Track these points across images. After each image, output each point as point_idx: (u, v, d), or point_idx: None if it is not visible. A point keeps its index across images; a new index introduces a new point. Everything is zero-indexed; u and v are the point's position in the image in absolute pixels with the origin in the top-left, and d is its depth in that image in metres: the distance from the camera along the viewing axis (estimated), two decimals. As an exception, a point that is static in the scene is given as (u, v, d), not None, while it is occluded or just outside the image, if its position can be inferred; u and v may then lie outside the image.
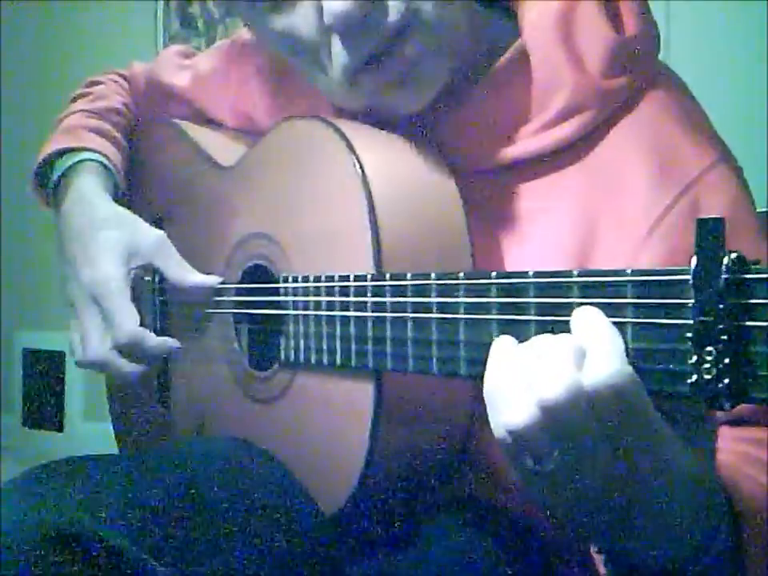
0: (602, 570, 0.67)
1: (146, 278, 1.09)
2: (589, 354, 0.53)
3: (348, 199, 0.79)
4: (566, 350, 0.54)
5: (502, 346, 0.59)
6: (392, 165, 0.81)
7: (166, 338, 0.96)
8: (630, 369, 0.52)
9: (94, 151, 1.05)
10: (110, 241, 0.96)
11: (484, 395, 0.58)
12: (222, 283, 0.96)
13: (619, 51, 0.80)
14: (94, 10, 3.04)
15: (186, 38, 2.90)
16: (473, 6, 0.86)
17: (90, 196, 1.01)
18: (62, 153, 1.05)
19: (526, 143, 0.81)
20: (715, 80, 2.12)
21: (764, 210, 1.09)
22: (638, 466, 0.56)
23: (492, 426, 0.58)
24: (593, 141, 0.80)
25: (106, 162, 1.05)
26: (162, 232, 0.99)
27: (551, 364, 0.54)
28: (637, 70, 0.81)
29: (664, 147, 0.78)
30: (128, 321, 0.93)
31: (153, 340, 0.94)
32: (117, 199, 1.05)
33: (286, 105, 0.99)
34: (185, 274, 0.97)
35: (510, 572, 0.79)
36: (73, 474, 0.73)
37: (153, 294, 1.09)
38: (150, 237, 0.98)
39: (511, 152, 0.82)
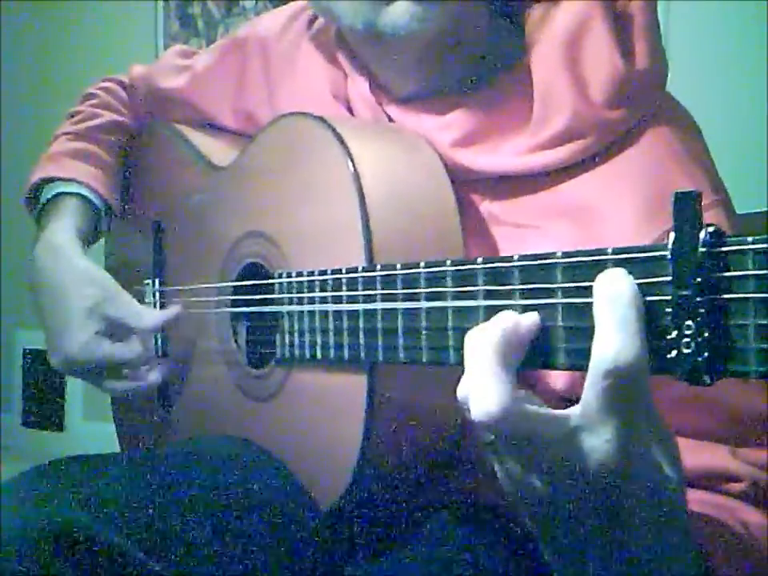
0: None
1: (146, 282, 1.10)
2: (600, 330, 0.50)
3: (340, 196, 0.79)
4: (492, 366, 0.51)
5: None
6: (384, 161, 0.81)
7: (157, 368, 1.02)
8: (641, 349, 0.48)
9: (74, 181, 1.07)
10: (72, 307, 0.99)
11: None
12: (217, 282, 0.97)
13: (625, 83, 0.78)
14: (94, 10, 3.05)
15: (186, 38, 2.91)
16: (484, 13, 0.87)
17: (59, 247, 1.03)
18: (44, 181, 1.08)
19: (516, 160, 0.81)
20: (715, 80, 2.12)
21: (764, 210, 1.09)
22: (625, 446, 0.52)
23: None
24: (589, 168, 0.79)
25: (85, 191, 1.08)
26: (114, 284, 1.01)
27: (480, 383, 0.51)
28: (640, 104, 0.79)
29: (659, 184, 0.77)
30: (117, 383, 1.02)
31: (148, 379, 1.02)
32: (96, 233, 1.10)
33: (284, 102, 0.99)
34: (147, 319, 1.01)
35: (509, 572, 0.79)
36: (72, 474, 0.74)
37: (153, 297, 1.10)
38: (108, 294, 1.00)
39: (500, 166, 0.81)
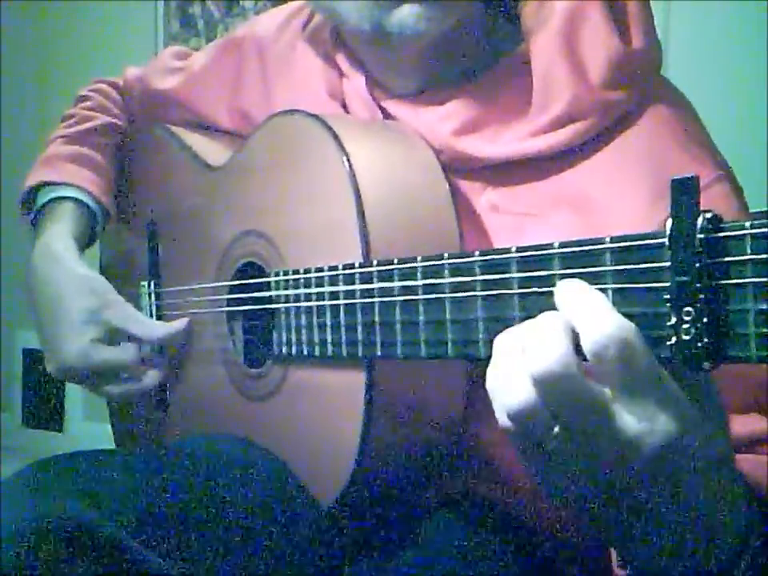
0: (619, 573, 0.64)
1: (142, 283, 1.10)
2: (577, 318, 0.51)
3: (336, 194, 0.79)
4: (556, 322, 0.51)
5: (502, 337, 0.56)
6: (380, 158, 0.81)
7: (150, 373, 1.02)
8: (621, 318, 0.49)
9: (69, 185, 1.08)
10: (69, 314, 0.99)
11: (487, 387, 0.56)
12: (214, 282, 0.97)
13: (622, 63, 0.79)
14: (94, 10, 3.05)
15: (186, 38, 2.91)
16: (482, 8, 0.87)
17: (57, 254, 1.03)
18: (40, 186, 1.08)
19: (518, 145, 0.81)
20: (715, 80, 2.12)
21: (764, 210, 1.09)
22: (654, 428, 0.51)
23: (496, 415, 0.55)
24: (590, 151, 0.80)
25: (80, 195, 1.08)
26: (113, 291, 1.01)
27: (541, 338, 0.51)
28: (638, 84, 0.80)
29: (663, 162, 0.77)
30: (114, 388, 1.02)
31: (142, 385, 1.02)
32: (92, 236, 1.11)
33: (280, 101, 0.99)
34: (153, 330, 1.01)
35: (509, 570, 0.79)
36: (73, 470, 0.73)
37: (148, 298, 1.10)
38: (107, 301, 1.00)
39: (503, 151, 0.82)
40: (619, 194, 0.77)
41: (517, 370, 0.52)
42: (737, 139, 1.91)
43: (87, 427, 3.03)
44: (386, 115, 0.90)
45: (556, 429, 0.52)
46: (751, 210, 0.87)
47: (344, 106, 0.93)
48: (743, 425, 0.73)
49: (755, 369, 0.72)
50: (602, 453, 0.52)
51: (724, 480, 0.55)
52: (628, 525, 0.55)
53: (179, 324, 1.02)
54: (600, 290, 0.52)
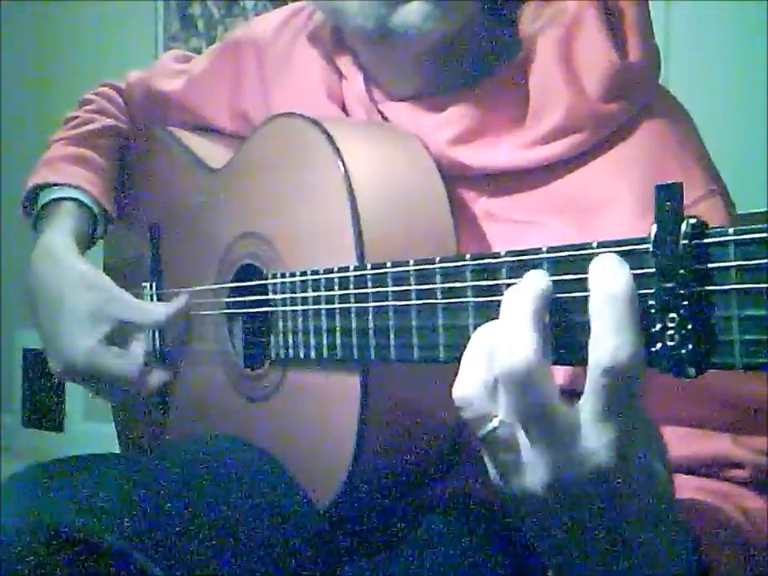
0: None
1: (143, 284, 1.10)
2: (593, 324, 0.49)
3: (332, 196, 0.79)
4: (524, 316, 0.51)
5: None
6: (377, 161, 0.81)
7: (155, 374, 1.02)
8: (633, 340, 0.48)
9: (70, 185, 1.08)
10: (74, 312, 0.98)
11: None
12: (214, 284, 0.98)
13: (619, 76, 0.79)
14: (94, 10, 3.05)
15: (186, 38, 2.91)
16: (480, 12, 0.87)
17: (57, 252, 1.02)
18: (41, 187, 1.09)
19: (513, 156, 0.81)
20: (715, 80, 2.12)
21: (764, 210, 1.09)
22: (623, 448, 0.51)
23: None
24: (584, 162, 0.80)
25: (81, 196, 1.08)
26: (114, 286, 1.01)
27: (510, 332, 0.51)
28: (635, 96, 0.80)
29: (655, 175, 0.76)
30: (113, 393, 1.03)
31: (147, 386, 1.02)
32: (92, 238, 1.10)
33: (279, 102, 0.99)
34: (154, 314, 1.01)
35: (507, 570, 0.79)
36: (71, 474, 0.74)
37: (150, 300, 1.10)
38: (110, 296, 1.00)
39: (498, 162, 0.82)
40: (612, 202, 0.77)
41: (481, 361, 0.53)
42: (737, 140, 1.91)
43: (87, 427, 3.03)
44: (384, 119, 0.90)
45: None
46: (751, 210, 0.87)
47: (343, 108, 0.93)
48: (703, 445, 0.74)
49: (720, 385, 0.72)
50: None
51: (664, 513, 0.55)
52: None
53: (179, 302, 1.01)
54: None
